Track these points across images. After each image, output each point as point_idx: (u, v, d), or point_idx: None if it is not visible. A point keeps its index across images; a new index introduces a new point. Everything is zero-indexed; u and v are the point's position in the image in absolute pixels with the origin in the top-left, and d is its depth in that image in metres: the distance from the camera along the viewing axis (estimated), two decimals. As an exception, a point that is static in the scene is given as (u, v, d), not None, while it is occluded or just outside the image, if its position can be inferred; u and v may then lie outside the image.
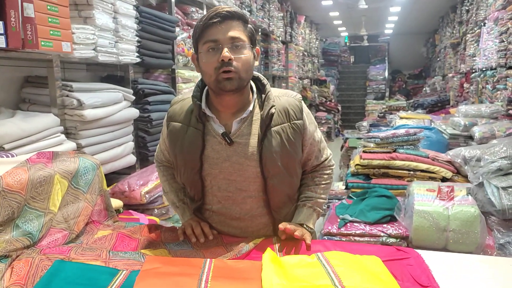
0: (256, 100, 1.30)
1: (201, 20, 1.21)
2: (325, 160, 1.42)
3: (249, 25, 1.24)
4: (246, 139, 1.26)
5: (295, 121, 1.28)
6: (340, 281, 0.94)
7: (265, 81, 1.32)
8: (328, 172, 1.43)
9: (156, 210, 2.40)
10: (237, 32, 1.19)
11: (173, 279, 0.93)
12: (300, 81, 8.45)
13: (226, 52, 1.16)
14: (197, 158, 1.26)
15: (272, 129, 1.25)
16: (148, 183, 2.38)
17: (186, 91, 3.37)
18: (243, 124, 1.27)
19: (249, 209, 1.31)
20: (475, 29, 5.75)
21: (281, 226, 1.25)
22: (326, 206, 3.69)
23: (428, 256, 1.16)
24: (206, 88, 1.30)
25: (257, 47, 1.28)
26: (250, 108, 1.27)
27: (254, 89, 1.31)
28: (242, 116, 1.26)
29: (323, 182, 1.41)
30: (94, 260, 1.06)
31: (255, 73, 1.31)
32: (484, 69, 5.00)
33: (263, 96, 1.28)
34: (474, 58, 5.62)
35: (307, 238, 1.24)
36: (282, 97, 1.30)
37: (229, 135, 1.25)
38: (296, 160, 1.32)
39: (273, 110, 1.25)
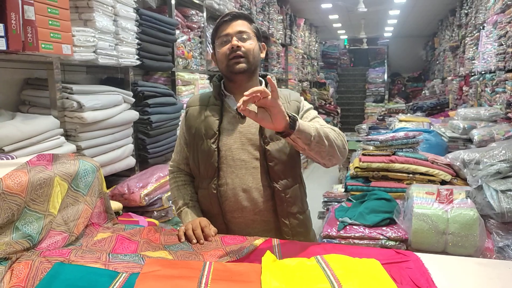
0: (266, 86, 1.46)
1: (216, 22, 1.49)
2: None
3: (254, 24, 1.52)
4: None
5: (293, 101, 1.51)
6: (340, 284, 0.94)
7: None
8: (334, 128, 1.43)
9: (155, 213, 2.40)
10: (243, 27, 1.47)
11: (172, 281, 0.93)
12: (300, 84, 8.46)
13: (234, 41, 1.43)
14: (216, 127, 1.46)
15: None
16: (148, 185, 2.38)
17: (186, 94, 3.40)
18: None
19: (259, 179, 1.45)
20: (474, 32, 5.77)
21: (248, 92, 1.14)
22: (325, 208, 3.69)
23: (427, 259, 1.16)
24: (222, 80, 1.56)
25: (263, 43, 1.54)
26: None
27: (264, 82, 1.53)
28: None
29: (328, 127, 1.40)
30: (94, 263, 1.06)
31: (264, 73, 1.54)
32: (483, 72, 5.01)
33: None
34: (473, 61, 5.64)
35: (277, 105, 1.15)
36: (284, 90, 1.54)
37: None
38: None
39: None
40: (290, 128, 1.20)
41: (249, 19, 1.50)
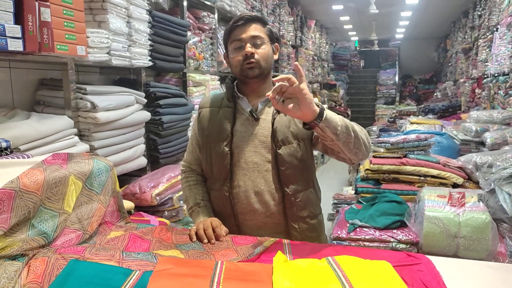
0: None
1: (229, 24, 1.49)
2: None
3: (268, 26, 1.51)
4: (269, 117, 1.47)
5: None
6: (351, 285, 0.95)
7: None
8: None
9: (166, 212, 2.42)
10: (257, 31, 1.45)
11: (185, 280, 0.95)
12: (310, 85, 8.45)
13: (248, 48, 1.43)
14: (229, 130, 1.47)
15: None
16: (159, 185, 2.40)
17: (197, 95, 3.43)
18: (266, 105, 1.50)
19: (271, 182, 1.45)
20: (487, 34, 5.70)
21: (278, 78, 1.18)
22: (335, 210, 3.68)
23: (438, 262, 1.15)
24: (235, 82, 1.56)
25: (276, 44, 1.54)
26: None
27: None
28: (266, 98, 1.38)
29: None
30: (108, 260, 1.08)
31: (275, 73, 1.55)
32: (496, 74, 4.95)
33: None
34: (486, 64, 5.57)
35: (306, 88, 1.18)
36: None
37: (256, 112, 1.48)
38: (306, 134, 1.46)
39: None
40: (318, 117, 1.20)
41: (262, 21, 1.49)
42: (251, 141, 1.46)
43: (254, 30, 1.45)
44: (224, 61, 1.58)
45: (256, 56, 1.43)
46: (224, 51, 1.56)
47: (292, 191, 1.45)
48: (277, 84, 1.15)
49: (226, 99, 1.53)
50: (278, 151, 1.43)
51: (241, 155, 1.46)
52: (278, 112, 1.44)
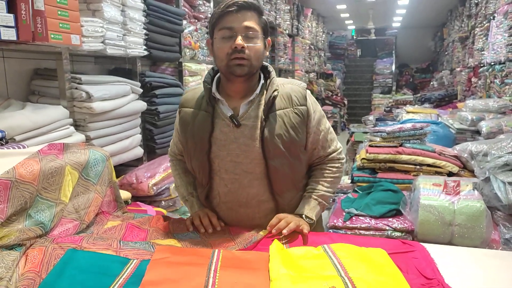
0: (263, 85, 1.34)
1: (219, 7, 1.28)
2: (334, 152, 1.43)
3: (263, 17, 1.33)
4: (253, 122, 1.31)
5: (298, 107, 1.32)
6: (346, 272, 0.96)
7: (270, 68, 1.38)
8: (337, 165, 1.44)
9: (163, 202, 2.43)
10: (251, 22, 1.26)
11: (183, 268, 0.95)
12: (307, 75, 8.42)
13: (239, 40, 1.23)
14: (206, 139, 1.32)
15: (275, 112, 1.30)
16: (156, 175, 2.40)
17: (193, 84, 3.41)
18: (250, 107, 1.32)
19: (256, 194, 1.34)
20: (484, 22, 5.69)
21: (269, 227, 1.28)
22: (331, 199, 3.70)
23: (433, 250, 1.17)
24: (218, 75, 1.38)
25: (268, 38, 1.35)
26: (257, 91, 1.32)
27: (262, 76, 1.37)
28: (249, 99, 1.31)
29: (331, 176, 1.42)
30: (105, 250, 1.09)
31: (264, 62, 1.37)
32: (492, 63, 4.95)
33: (268, 81, 1.33)
34: (482, 52, 5.57)
35: (304, 228, 1.27)
36: (286, 84, 1.36)
37: (237, 118, 1.30)
38: (299, 144, 1.34)
39: (275, 93, 1.29)
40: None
41: (259, 11, 1.30)
42: (232, 150, 1.31)
43: (249, 20, 1.26)
44: (208, 49, 1.38)
45: (247, 51, 1.24)
46: (210, 38, 1.35)
47: (285, 198, 1.36)
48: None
49: (205, 101, 1.35)
50: (270, 162, 1.29)
51: (222, 164, 1.33)
52: (267, 117, 1.29)
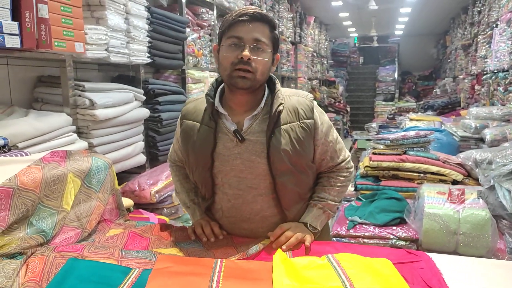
0: (268, 98, 1.30)
1: (231, 15, 1.24)
2: (342, 161, 1.40)
3: (276, 31, 1.28)
4: (257, 137, 1.26)
5: (305, 120, 1.28)
6: (351, 283, 0.94)
7: (276, 80, 1.33)
8: (345, 174, 1.41)
9: (165, 210, 2.42)
10: (261, 34, 1.22)
11: (185, 278, 0.94)
12: (309, 82, 8.43)
13: (246, 51, 1.19)
14: (209, 155, 1.27)
15: (281, 127, 1.25)
16: (158, 182, 2.39)
17: (196, 91, 3.42)
18: (254, 122, 1.28)
19: (260, 209, 1.31)
20: (487, 30, 5.69)
21: (272, 237, 1.26)
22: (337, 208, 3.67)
23: (439, 260, 1.15)
24: (221, 86, 1.34)
25: (277, 54, 1.31)
26: (261, 105, 1.28)
27: (266, 88, 1.32)
28: (253, 113, 1.27)
29: (338, 184, 1.39)
30: (107, 259, 1.08)
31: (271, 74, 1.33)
32: (495, 71, 4.94)
33: (273, 94, 1.29)
34: (485, 60, 5.57)
35: (307, 239, 1.25)
36: (292, 96, 1.31)
37: (241, 133, 1.26)
38: (306, 159, 1.30)
39: (281, 107, 1.25)
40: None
41: (271, 24, 1.25)
42: (236, 166, 1.27)
43: (260, 32, 1.21)
44: (213, 55, 1.32)
45: (253, 64, 1.20)
46: (217, 43, 1.31)
47: (292, 212, 1.33)
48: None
49: (208, 114, 1.30)
50: (278, 179, 1.26)
51: (225, 180, 1.29)
52: (272, 132, 1.25)
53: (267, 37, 1.23)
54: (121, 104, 2.30)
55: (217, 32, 3.76)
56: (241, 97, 1.28)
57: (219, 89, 1.33)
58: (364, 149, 3.57)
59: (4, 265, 0.97)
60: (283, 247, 1.21)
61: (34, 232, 1.14)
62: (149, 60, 2.65)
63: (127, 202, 2.02)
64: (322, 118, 1.34)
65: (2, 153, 1.48)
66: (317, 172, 1.40)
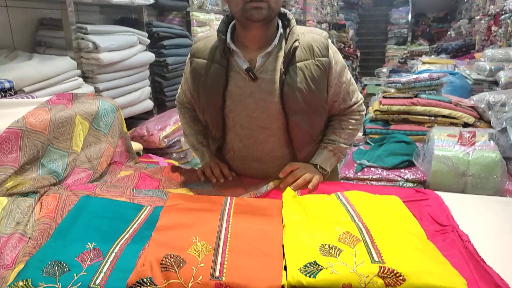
0: (282, 35, 1.25)
1: None
2: (354, 104, 1.37)
3: None
4: (270, 75, 1.22)
5: (320, 58, 1.23)
6: (360, 218, 0.95)
7: (290, 16, 1.27)
8: (356, 117, 1.39)
9: (174, 154, 2.44)
10: None
11: (196, 214, 0.96)
12: (318, 26, 8.13)
13: None
14: (220, 94, 1.24)
15: (295, 65, 1.21)
16: (166, 127, 2.40)
17: (202, 35, 3.31)
18: (267, 60, 1.23)
19: (271, 149, 1.31)
20: (509, -34, 5.33)
21: (281, 174, 1.27)
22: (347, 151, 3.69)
23: (447, 198, 1.16)
24: (232, 23, 1.27)
25: None
26: (275, 42, 1.23)
27: (280, 25, 1.26)
28: (267, 50, 1.22)
29: (350, 127, 1.37)
30: (119, 197, 1.10)
31: (282, 9, 1.26)
32: (515, 10, 4.69)
33: (288, 30, 1.24)
34: (505, -1, 5.27)
35: (314, 179, 1.25)
36: (307, 33, 1.25)
37: (253, 71, 1.22)
38: (320, 99, 1.27)
39: (296, 44, 1.20)
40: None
41: None
42: (248, 105, 1.24)
43: None
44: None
45: None
46: None
47: (303, 152, 1.33)
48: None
49: (219, 52, 1.25)
50: (291, 117, 1.24)
51: (236, 120, 1.28)
52: (286, 70, 1.21)
53: None
54: (125, 47, 2.24)
55: (223, -29, 3.54)
56: (256, 31, 1.21)
57: (230, 26, 1.27)
58: (374, 95, 3.50)
59: (20, 202, 1.00)
60: (291, 187, 1.22)
61: (46, 172, 1.15)
62: (152, 1, 2.54)
63: (136, 146, 2.04)
64: (337, 57, 1.29)
65: (8, 96, 1.47)
66: (328, 114, 1.38)
